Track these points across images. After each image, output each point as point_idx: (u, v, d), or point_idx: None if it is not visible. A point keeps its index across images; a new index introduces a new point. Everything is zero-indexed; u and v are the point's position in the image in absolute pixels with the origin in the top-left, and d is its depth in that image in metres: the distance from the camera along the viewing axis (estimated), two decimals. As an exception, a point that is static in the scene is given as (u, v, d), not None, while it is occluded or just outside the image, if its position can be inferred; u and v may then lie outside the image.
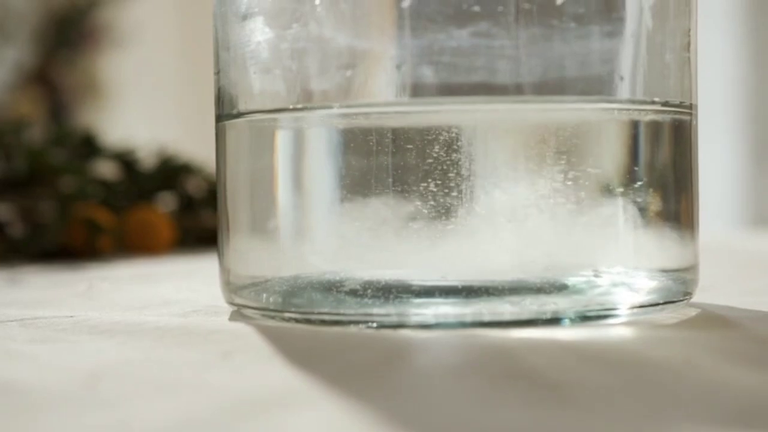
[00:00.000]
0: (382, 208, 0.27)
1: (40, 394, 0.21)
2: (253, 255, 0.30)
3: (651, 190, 0.29)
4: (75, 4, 2.12)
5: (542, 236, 0.27)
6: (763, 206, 1.83)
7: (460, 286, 0.27)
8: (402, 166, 0.27)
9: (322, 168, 0.29)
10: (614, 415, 0.19)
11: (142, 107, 2.16)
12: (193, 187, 0.68)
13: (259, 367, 0.24)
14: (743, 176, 1.85)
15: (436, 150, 0.27)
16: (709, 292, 0.32)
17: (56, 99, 2.14)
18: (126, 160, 0.65)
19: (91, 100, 2.18)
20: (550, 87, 0.28)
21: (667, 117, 0.29)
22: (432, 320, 0.27)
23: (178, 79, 2.22)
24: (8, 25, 2.07)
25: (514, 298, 0.27)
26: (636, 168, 0.28)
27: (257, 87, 0.30)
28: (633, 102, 0.28)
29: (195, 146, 0.88)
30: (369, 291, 0.27)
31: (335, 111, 0.28)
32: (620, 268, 0.28)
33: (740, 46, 1.84)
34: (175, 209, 0.66)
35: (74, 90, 2.17)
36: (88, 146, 0.63)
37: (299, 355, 0.25)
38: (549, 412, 0.19)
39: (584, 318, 0.27)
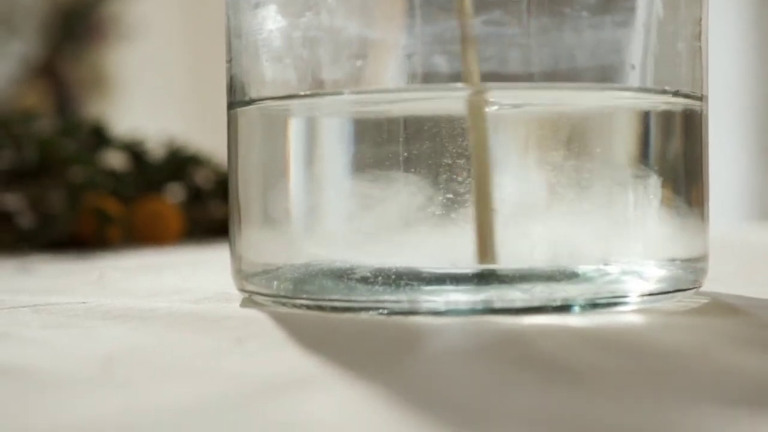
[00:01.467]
0: (393, 195, 0.28)
1: (55, 379, 0.21)
2: (264, 242, 0.30)
3: (662, 179, 0.29)
4: (81, -3, 2.13)
5: (553, 224, 0.28)
6: (771, 201, 1.83)
7: (470, 274, 0.27)
8: (413, 153, 0.27)
9: (334, 155, 0.29)
10: (623, 399, 0.19)
11: (148, 100, 2.16)
12: (202, 178, 0.68)
13: (272, 353, 0.24)
14: (751, 171, 1.85)
15: (447, 138, 0.27)
16: (718, 283, 0.32)
17: (63, 92, 2.14)
18: (135, 151, 0.65)
19: (98, 93, 2.18)
20: (561, 76, 0.28)
21: (678, 106, 0.29)
22: (443, 307, 0.27)
23: (185, 72, 2.22)
24: (15, 18, 2.07)
25: (525, 286, 0.27)
26: (646, 157, 0.29)
27: (269, 75, 0.30)
28: (644, 91, 0.29)
29: (203, 138, 0.89)
30: (380, 278, 0.27)
31: (346, 98, 0.28)
32: (630, 257, 0.28)
33: (748, 38, 1.84)
34: (184, 200, 0.67)
35: (81, 83, 2.17)
36: (98, 137, 0.64)
37: (311, 340, 0.25)
38: (558, 396, 0.19)
39: (594, 305, 0.27)
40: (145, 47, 2.14)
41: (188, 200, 0.67)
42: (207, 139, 0.88)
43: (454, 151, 0.27)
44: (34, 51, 2.11)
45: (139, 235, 0.61)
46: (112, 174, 0.62)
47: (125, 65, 2.18)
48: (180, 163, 0.67)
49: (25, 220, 0.57)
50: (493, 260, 0.27)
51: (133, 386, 0.21)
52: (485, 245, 0.28)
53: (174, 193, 0.67)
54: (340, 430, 0.18)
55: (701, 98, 0.30)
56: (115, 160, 0.64)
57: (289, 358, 0.23)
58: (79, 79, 2.17)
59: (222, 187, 0.67)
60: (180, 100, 2.21)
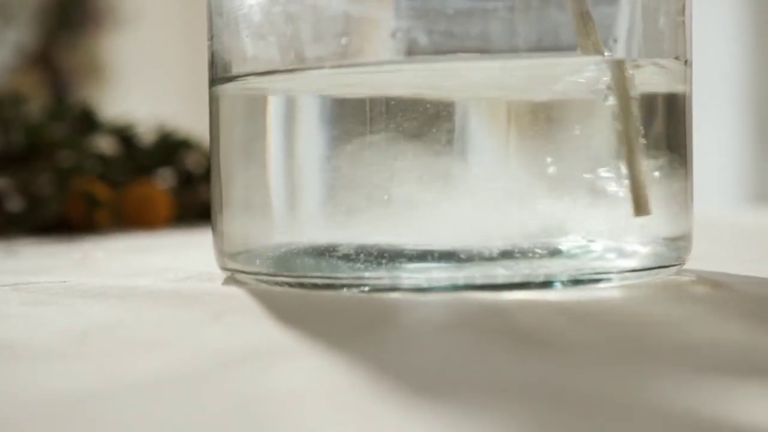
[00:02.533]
0: (374, 172, 0.27)
1: (32, 351, 0.21)
2: (246, 220, 0.30)
3: (645, 155, 0.29)
4: (76, -15, 2.12)
5: (536, 201, 0.27)
6: (764, 184, 1.83)
7: (452, 251, 0.27)
8: (395, 130, 0.27)
9: (315, 132, 0.29)
10: (600, 369, 0.19)
11: (144, 87, 2.16)
12: (192, 162, 0.68)
13: (250, 327, 0.24)
14: (746, 154, 1.85)
15: (429, 114, 0.27)
16: (703, 261, 0.32)
17: (58, 81, 2.14)
18: (125, 135, 0.65)
19: (93, 81, 2.18)
20: (544, 51, 0.27)
21: (661, 82, 0.29)
22: (424, 284, 0.27)
23: (180, 60, 2.21)
24: (10, 6, 2.06)
25: (507, 262, 0.27)
26: (637, 126, 0.28)
27: (250, 52, 0.30)
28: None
29: (197, 124, 0.88)
30: (362, 255, 0.27)
31: (326, 72, 0.28)
32: (613, 234, 0.28)
33: (744, 23, 1.84)
34: (174, 185, 0.66)
35: (76, 71, 2.17)
36: (87, 121, 0.63)
37: (290, 315, 0.25)
38: (535, 367, 0.19)
39: (576, 282, 0.27)
40: (140, 35, 2.14)
41: (179, 185, 0.67)
42: (202, 125, 0.87)
43: (436, 127, 0.27)
44: (29, 39, 2.11)
45: (128, 219, 0.61)
46: (101, 158, 0.62)
47: (120, 53, 2.18)
48: (170, 148, 0.67)
49: (14, 204, 0.57)
50: (647, 211, 0.28)
51: (107, 359, 0.21)
52: (640, 198, 0.28)
53: (164, 178, 0.67)
54: (313, 399, 0.18)
55: (684, 72, 0.30)
56: (104, 144, 0.64)
57: (266, 331, 0.23)
58: (75, 66, 2.17)
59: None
60: (175, 87, 2.20)
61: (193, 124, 0.98)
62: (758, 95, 1.84)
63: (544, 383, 0.18)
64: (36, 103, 0.64)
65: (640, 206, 0.28)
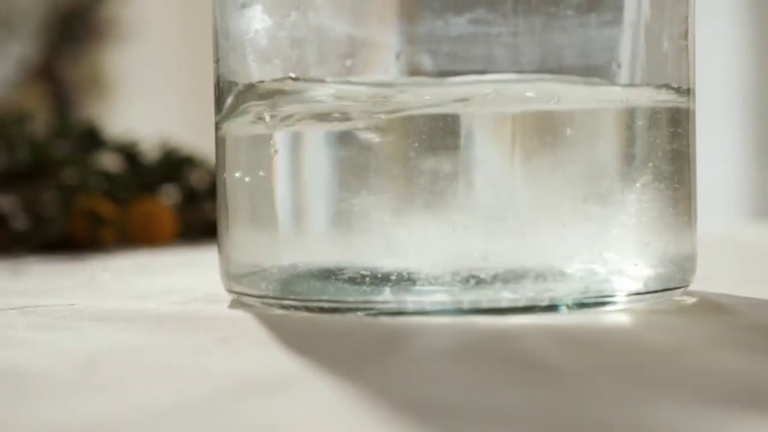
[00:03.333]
0: (380, 195, 0.28)
1: (40, 379, 0.21)
2: (252, 243, 0.30)
3: (649, 177, 0.29)
4: (79, -1, 2.13)
5: (540, 223, 0.28)
6: (766, 198, 1.83)
7: (458, 274, 0.27)
8: (400, 153, 0.27)
9: (321, 155, 0.29)
10: (606, 398, 0.19)
11: (147, 102, 2.16)
12: (196, 179, 0.68)
13: (257, 352, 0.24)
14: (746, 168, 1.85)
15: (434, 137, 0.27)
16: (707, 282, 0.32)
17: (61, 94, 2.14)
18: (129, 153, 0.65)
19: (96, 95, 2.18)
20: (547, 75, 0.28)
21: (665, 105, 0.29)
22: (430, 307, 0.27)
23: (183, 74, 2.22)
24: (13, 20, 2.07)
25: (512, 286, 0.27)
26: (634, 156, 0.29)
27: (256, 75, 0.30)
28: (632, 86, 0.29)
29: (200, 140, 0.88)
30: (368, 279, 0.27)
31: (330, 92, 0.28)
32: (618, 256, 0.28)
33: (743, 37, 1.84)
34: (178, 202, 0.67)
35: (79, 85, 2.17)
36: (91, 138, 0.63)
37: (297, 340, 0.25)
38: (541, 395, 0.19)
39: (581, 305, 0.27)
40: (143, 49, 2.14)
41: (183, 201, 0.67)
42: (205, 141, 0.87)
43: (441, 150, 0.27)
44: (32, 52, 2.11)
45: (133, 236, 0.61)
46: (106, 175, 0.62)
47: (123, 67, 2.18)
48: (174, 165, 0.67)
49: (19, 222, 0.57)
50: None
51: (115, 387, 0.21)
52: None
53: (168, 195, 0.67)
54: (322, 429, 0.18)
55: (688, 97, 0.30)
56: (108, 161, 0.64)
57: (273, 358, 0.23)
58: (78, 80, 2.17)
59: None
60: (178, 102, 2.21)
61: (195, 136, 0.99)
62: (759, 109, 1.84)
63: (551, 412, 0.18)
64: (40, 121, 0.65)
65: None
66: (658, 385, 0.20)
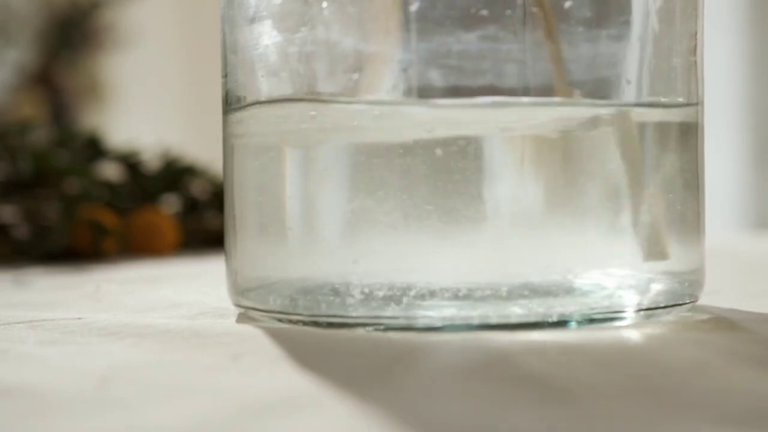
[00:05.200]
0: (389, 210, 0.28)
1: (51, 397, 0.21)
2: (260, 257, 0.30)
3: (657, 192, 0.29)
4: (77, 5, 2.13)
5: (549, 239, 0.28)
6: (767, 209, 1.83)
7: (467, 289, 0.27)
8: (410, 168, 0.27)
9: (330, 170, 0.29)
10: (617, 418, 0.19)
11: (144, 108, 2.16)
12: (198, 189, 0.68)
13: (268, 370, 0.24)
14: (747, 179, 1.85)
15: (444, 153, 0.27)
16: (714, 296, 0.32)
17: (58, 100, 2.14)
18: (130, 162, 0.65)
19: (94, 101, 2.18)
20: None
21: (674, 120, 0.29)
22: (439, 323, 0.27)
23: (181, 81, 2.22)
24: (10, 26, 2.07)
25: (521, 301, 0.27)
26: (643, 170, 0.29)
27: (265, 90, 0.30)
28: (639, 105, 0.29)
29: (199, 147, 0.88)
30: (376, 294, 0.27)
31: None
32: (627, 271, 0.28)
33: (743, 47, 1.84)
34: (180, 211, 0.66)
35: (77, 91, 2.17)
36: (93, 148, 0.63)
37: (307, 357, 0.25)
38: (553, 415, 0.19)
39: (591, 320, 0.27)
40: (140, 55, 2.14)
41: (184, 211, 0.67)
42: (203, 148, 0.87)
43: (451, 166, 0.27)
44: (29, 59, 2.11)
45: (134, 246, 0.61)
46: (108, 185, 0.62)
47: (121, 73, 2.18)
48: (176, 174, 0.67)
49: (21, 233, 0.57)
50: (664, 256, 0.28)
51: (128, 406, 0.21)
52: (656, 242, 0.28)
53: (170, 204, 0.67)
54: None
55: (697, 112, 0.30)
56: (110, 171, 0.64)
57: (285, 376, 0.23)
58: (75, 87, 2.17)
59: (218, 198, 0.67)
60: (176, 109, 2.21)
61: (193, 144, 0.98)
62: (759, 119, 1.84)
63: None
64: (42, 131, 0.65)
65: (654, 251, 0.28)
66: (673, 403, 0.20)
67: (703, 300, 0.31)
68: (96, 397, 0.22)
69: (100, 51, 2.18)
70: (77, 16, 2.14)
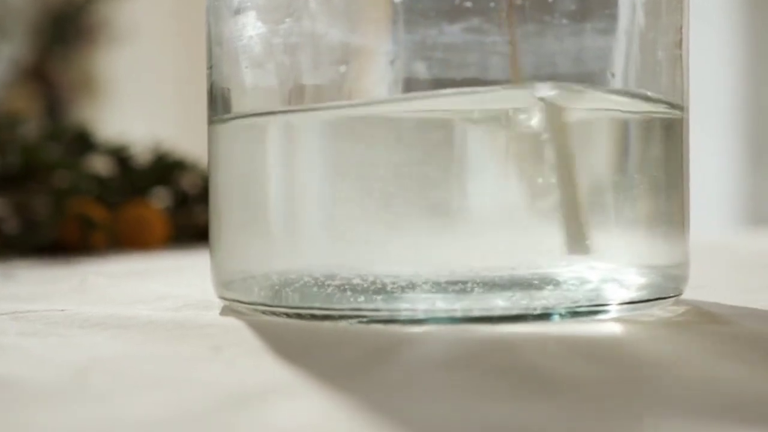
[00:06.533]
0: (373, 203, 0.28)
1: (31, 388, 0.21)
2: (244, 250, 0.30)
3: (642, 186, 0.29)
4: (71, 0, 2.12)
5: (532, 232, 0.27)
6: (761, 206, 1.84)
7: (450, 282, 0.27)
8: (393, 161, 0.27)
9: (313, 163, 0.29)
10: (603, 409, 0.19)
11: (138, 103, 2.16)
12: (188, 183, 0.68)
13: (249, 362, 0.24)
14: (740, 176, 1.85)
15: (428, 146, 0.27)
16: (700, 290, 0.32)
17: (52, 95, 2.14)
18: (120, 156, 0.65)
19: (87, 96, 2.18)
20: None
21: (658, 114, 0.29)
22: (422, 315, 0.27)
23: (175, 76, 2.21)
24: (4, 21, 2.07)
25: (505, 294, 0.27)
26: (626, 164, 0.29)
27: (249, 82, 0.30)
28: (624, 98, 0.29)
29: (191, 143, 0.88)
30: (359, 286, 0.27)
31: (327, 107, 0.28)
32: (610, 264, 0.28)
33: (737, 45, 1.85)
34: (170, 205, 0.66)
35: (70, 86, 2.17)
36: (83, 142, 0.63)
37: (289, 349, 0.25)
38: (538, 406, 0.19)
39: (574, 314, 0.27)
40: (134, 51, 2.14)
41: (174, 205, 0.67)
42: (196, 143, 0.87)
43: (434, 159, 0.27)
44: (23, 54, 2.11)
45: (124, 240, 0.61)
46: (97, 179, 0.62)
47: (115, 68, 2.18)
48: (166, 168, 0.67)
49: (10, 226, 0.57)
50: (585, 250, 0.28)
51: (107, 397, 0.21)
52: (577, 234, 0.28)
53: (160, 198, 0.67)
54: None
55: (682, 106, 0.30)
56: (100, 165, 0.64)
57: (266, 368, 0.23)
58: (69, 82, 2.17)
59: (208, 192, 0.67)
60: (169, 104, 2.20)
61: (186, 139, 0.98)
62: (751, 116, 1.84)
63: (544, 424, 0.18)
64: (32, 124, 0.65)
65: (576, 244, 0.28)
66: (655, 396, 0.20)
67: (689, 294, 0.31)
68: (75, 388, 0.21)
69: (94, 46, 2.18)
70: (71, 11, 2.14)
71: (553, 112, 0.27)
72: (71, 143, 0.63)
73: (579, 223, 0.27)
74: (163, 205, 0.66)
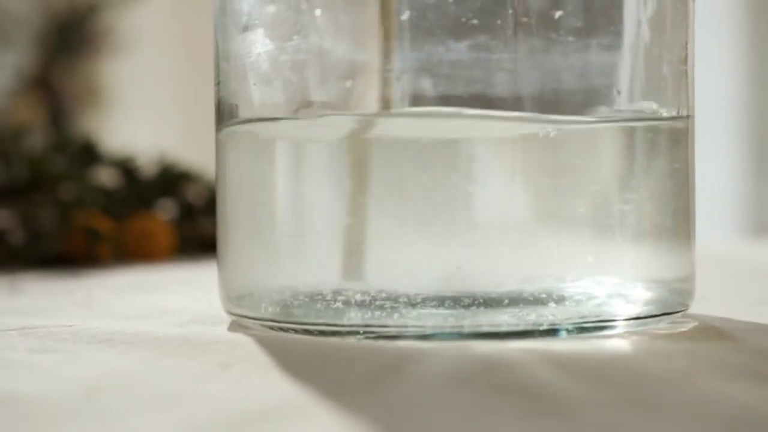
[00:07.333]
0: (380, 219, 0.28)
1: (41, 406, 0.21)
2: (252, 266, 0.30)
3: (647, 201, 0.29)
4: (76, 9, 2.13)
5: (540, 247, 0.28)
6: (764, 215, 1.83)
7: (457, 297, 0.27)
8: (400, 177, 0.28)
9: (322, 178, 0.29)
10: (609, 427, 0.19)
11: (142, 113, 2.16)
12: (193, 194, 0.68)
13: (258, 379, 0.24)
14: (743, 185, 1.85)
15: (435, 162, 0.27)
16: (706, 303, 0.32)
17: (56, 104, 2.14)
18: (126, 168, 0.65)
19: (92, 105, 2.18)
20: (547, 100, 0.28)
21: (664, 129, 0.30)
22: (430, 331, 0.27)
23: (179, 85, 2.22)
24: (9, 30, 2.07)
25: (512, 309, 0.27)
26: (633, 180, 0.29)
27: (257, 98, 0.30)
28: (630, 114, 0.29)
29: (195, 153, 0.88)
30: (367, 302, 0.27)
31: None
32: (617, 279, 0.28)
33: (739, 52, 1.85)
34: (175, 217, 0.67)
35: (75, 95, 2.17)
36: (88, 153, 0.63)
37: (297, 366, 0.25)
38: (545, 424, 0.19)
39: (581, 329, 0.27)
40: (139, 60, 2.14)
41: (180, 217, 0.67)
42: (200, 153, 0.87)
43: (442, 175, 0.27)
44: (27, 63, 2.11)
45: (130, 252, 0.61)
46: (103, 191, 0.62)
47: (119, 78, 2.18)
48: (171, 180, 0.67)
49: (15, 238, 0.57)
50: (358, 277, 0.28)
51: (117, 414, 0.21)
52: (351, 261, 0.28)
53: (165, 210, 0.67)
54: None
55: (687, 120, 0.30)
56: (105, 176, 0.64)
57: (275, 384, 0.23)
58: (73, 91, 2.17)
59: (214, 204, 0.67)
60: (173, 114, 2.21)
61: (190, 149, 0.98)
62: (755, 125, 1.84)
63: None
64: (37, 135, 0.65)
65: (351, 271, 0.28)
66: (663, 414, 0.20)
67: (695, 307, 0.31)
68: (85, 405, 0.22)
69: (99, 55, 2.18)
70: (76, 20, 2.14)
71: (363, 128, 0.28)
72: (77, 155, 0.63)
73: (357, 248, 0.28)
74: (169, 216, 0.66)
